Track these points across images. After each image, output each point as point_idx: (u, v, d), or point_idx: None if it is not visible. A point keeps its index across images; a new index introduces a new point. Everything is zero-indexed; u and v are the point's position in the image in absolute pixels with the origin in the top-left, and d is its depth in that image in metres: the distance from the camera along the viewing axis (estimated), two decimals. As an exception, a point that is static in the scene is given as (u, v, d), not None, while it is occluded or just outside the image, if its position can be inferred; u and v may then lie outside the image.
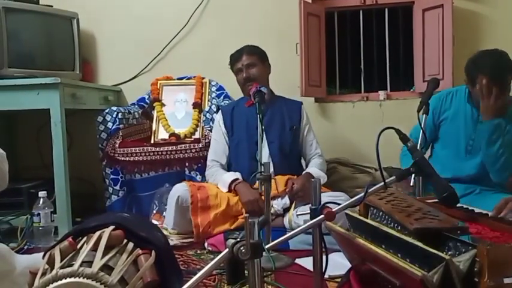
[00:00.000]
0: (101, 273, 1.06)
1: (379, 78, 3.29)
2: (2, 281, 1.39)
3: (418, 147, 1.89)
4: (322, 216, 1.18)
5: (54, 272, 1.06)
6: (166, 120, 2.88)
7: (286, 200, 2.19)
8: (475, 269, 0.92)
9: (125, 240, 1.24)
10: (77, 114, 2.91)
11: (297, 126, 2.45)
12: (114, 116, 2.66)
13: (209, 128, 2.70)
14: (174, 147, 2.62)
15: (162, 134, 2.85)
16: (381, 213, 1.30)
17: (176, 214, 2.15)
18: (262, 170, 1.84)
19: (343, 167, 2.85)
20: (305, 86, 2.97)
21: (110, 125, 2.65)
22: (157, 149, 2.62)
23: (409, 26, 3.19)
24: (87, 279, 1.05)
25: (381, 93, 3.14)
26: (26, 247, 2.23)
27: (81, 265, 1.07)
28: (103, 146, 2.65)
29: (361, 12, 3.24)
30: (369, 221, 1.32)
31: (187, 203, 2.14)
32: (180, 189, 2.19)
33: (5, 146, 1.67)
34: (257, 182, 1.93)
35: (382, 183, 1.19)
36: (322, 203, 1.29)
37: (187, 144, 2.64)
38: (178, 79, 3.07)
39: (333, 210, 1.18)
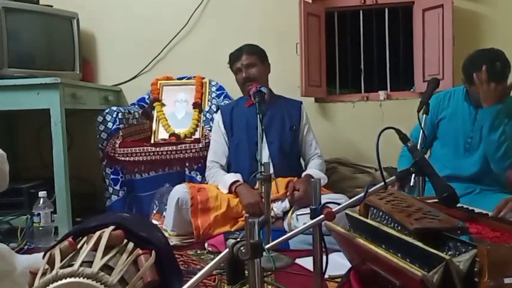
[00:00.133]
0: (101, 273, 1.06)
1: (379, 78, 3.29)
2: (2, 281, 1.39)
3: (418, 147, 1.89)
4: (322, 216, 1.19)
5: (54, 272, 1.06)
6: (167, 120, 2.89)
7: (286, 204, 2.18)
8: (475, 269, 0.92)
9: (125, 240, 1.24)
10: (77, 114, 2.91)
11: (297, 126, 2.44)
12: (114, 116, 2.66)
13: (209, 128, 2.69)
14: (174, 147, 2.62)
15: (162, 134, 2.86)
16: (381, 213, 1.30)
17: (176, 216, 2.14)
18: (263, 170, 1.84)
19: (343, 167, 2.85)
20: (305, 86, 2.97)
21: (110, 125, 2.65)
22: (158, 149, 2.62)
23: (409, 26, 3.19)
24: (87, 279, 1.05)
25: (381, 93, 3.14)
26: (26, 247, 2.23)
27: (81, 265, 1.07)
28: (103, 146, 2.65)
29: (361, 12, 3.24)
30: (369, 221, 1.32)
31: (187, 205, 2.13)
32: (180, 191, 2.17)
33: (5, 146, 1.67)
34: (257, 182, 1.93)
35: (382, 183, 1.19)
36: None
37: (187, 144, 2.64)
38: (178, 79, 3.07)
39: (333, 210, 1.18)
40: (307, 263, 1.74)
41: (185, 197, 2.14)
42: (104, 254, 1.12)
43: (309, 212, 1.30)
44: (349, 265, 1.48)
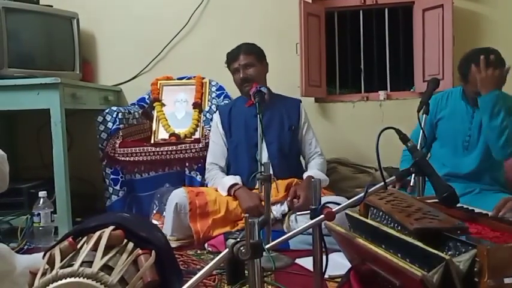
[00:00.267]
0: (101, 273, 1.06)
1: (379, 78, 3.29)
2: (2, 281, 1.39)
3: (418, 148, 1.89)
4: (322, 216, 1.19)
5: (54, 272, 1.06)
6: (167, 120, 2.89)
7: (285, 207, 2.17)
8: (475, 269, 0.92)
9: (125, 240, 1.24)
10: (77, 114, 2.91)
11: (296, 126, 2.42)
12: (114, 116, 2.66)
13: (209, 128, 2.69)
14: (174, 147, 2.62)
15: (162, 134, 2.86)
16: (381, 213, 1.30)
17: (174, 221, 2.12)
18: (263, 170, 1.84)
19: (343, 167, 2.85)
20: (305, 86, 2.97)
21: (110, 125, 2.65)
22: (158, 149, 2.62)
23: (409, 26, 3.19)
24: (87, 279, 1.05)
25: (381, 93, 3.14)
26: (26, 247, 2.23)
27: (81, 265, 1.07)
28: (103, 146, 2.65)
29: (361, 12, 3.24)
30: (369, 221, 1.32)
31: (186, 210, 2.11)
32: (178, 196, 2.16)
33: (5, 146, 1.67)
34: (257, 183, 1.92)
35: (382, 183, 1.19)
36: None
37: (187, 144, 2.64)
38: (178, 79, 3.07)
39: (333, 210, 1.18)
40: (307, 263, 1.74)
41: (183, 202, 2.13)
42: (104, 254, 1.12)
43: (309, 212, 1.30)
44: (349, 265, 1.48)
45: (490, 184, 2.13)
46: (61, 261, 1.10)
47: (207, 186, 2.43)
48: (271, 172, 1.95)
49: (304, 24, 2.94)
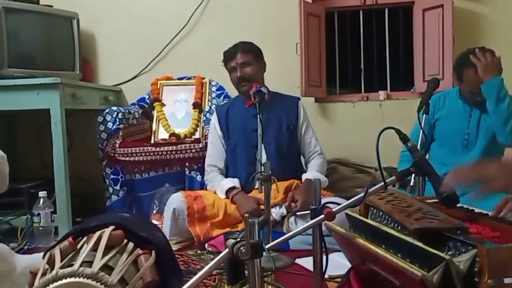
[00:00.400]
0: (101, 273, 1.06)
1: (379, 78, 3.30)
2: (2, 281, 1.39)
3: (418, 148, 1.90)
4: (322, 216, 1.18)
5: (54, 272, 1.06)
6: (167, 120, 2.89)
7: (284, 209, 2.15)
8: (475, 269, 0.92)
9: (125, 240, 1.24)
10: (77, 114, 2.91)
11: (294, 126, 2.38)
12: (114, 116, 2.66)
13: (209, 128, 2.69)
14: (174, 147, 2.62)
15: (162, 134, 2.86)
16: (381, 213, 1.29)
17: (172, 226, 2.11)
18: (263, 170, 1.83)
19: (343, 167, 2.85)
20: (305, 86, 2.97)
21: (110, 125, 2.65)
22: (158, 149, 2.62)
23: (409, 26, 3.19)
24: (87, 279, 1.05)
25: (381, 93, 3.15)
26: (26, 247, 2.23)
27: (81, 265, 1.07)
28: (103, 146, 2.65)
29: (361, 12, 3.24)
30: (369, 221, 1.31)
31: (184, 214, 2.10)
32: (176, 201, 2.14)
33: (5, 146, 1.67)
34: (256, 184, 1.91)
35: (382, 183, 1.19)
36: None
37: (188, 144, 2.64)
38: (178, 79, 3.07)
39: (333, 210, 1.18)
40: (307, 263, 1.74)
41: (181, 207, 2.12)
42: (104, 254, 1.12)
43: (309, 212, 1.30)
44: (349, 265, 1.48)
45: None
46: (61, 261, 1.10)
47: (206, 187, 2.43)
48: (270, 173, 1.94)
49: (304, 24, 2.95)
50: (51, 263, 1.12)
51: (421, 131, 2.06)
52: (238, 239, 1.01)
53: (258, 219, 1.01)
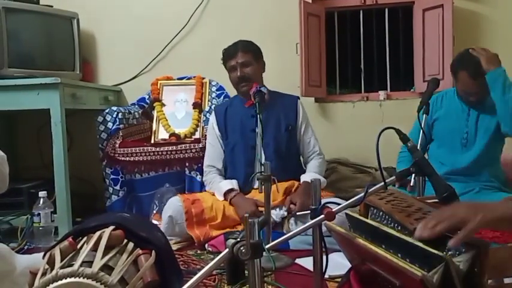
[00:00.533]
0: (101, 273, 1.06)
1: (379, 78, 3.30)
2: (3, 281, 1.39)
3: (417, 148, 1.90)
4: (322, 216, 1.18)
5: (54, 272, 1.06)
6: (167, 120, 2.89)
7: (283, 211, 2.14)
8: (475, 269, 0.92)
9: (125, 240, 1.24)
10: (77, 114, 2.91)
11: (293, 126, 2.36)
12: (114, 116, 2.66)
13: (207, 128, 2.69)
14: (174, 147, 2.62)
15: (162, 134, 2.86)
16: (381, 213, 1.30)
17: (171, 229, 2.11)
18: (262, 170, 1.83)
19: (343, 167, 2.85)
20: (305, 86, 2.97)
21: (110, 125, 2.65)
22: (158, 149, 2.62)
23: (409, 26, 3.19)
24: (87, 279, 1.05)
25: (381, 93, 3.15)
26: (26, 247, 2.23)
27: (81, 265, 1.07)
28: (103, 146, 2.64)
29: (361, 12, 3.24)
30: (369, 221, 1.31)
31: (182, 219, 2.10)
32: (174, 205, 2.13)
33: (5, 146, 1.67)
34: (256, 184, 1.91)
35: (382, 183, 1.19)
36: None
37: (188, 144, 2.63)
38: (178, 79, 3.07)
39: (333, 210, 1.18)
40: (307, 263, 1.74)
41: (179, 212, 2.11)
42: (104, 254, 1.12)
43: (309, 211, 1.30)
44: (349, 265, 1.47)
45: (490, 181, 2.13)
46: (61, 261, 1.10)
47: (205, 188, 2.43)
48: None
49: (304, 24, 2.95)
50: (51, 263, 1.12)
51: (421, 131, 2.06)
52: (238, 239, 1.01)
53: (258, 219, 1.01)
